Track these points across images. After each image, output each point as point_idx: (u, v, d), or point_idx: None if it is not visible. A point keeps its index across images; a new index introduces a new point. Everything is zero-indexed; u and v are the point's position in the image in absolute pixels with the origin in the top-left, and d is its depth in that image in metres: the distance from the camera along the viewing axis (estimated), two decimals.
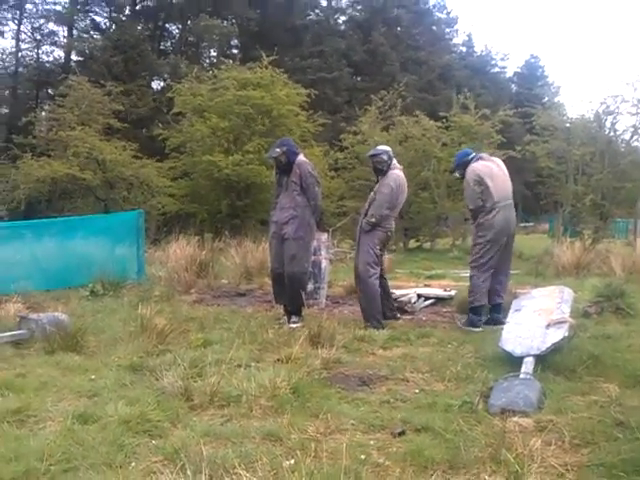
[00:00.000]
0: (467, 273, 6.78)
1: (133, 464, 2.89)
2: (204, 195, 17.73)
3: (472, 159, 6.50)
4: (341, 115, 30.67)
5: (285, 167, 6.52)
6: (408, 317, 6.88)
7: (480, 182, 6.21)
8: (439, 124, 18.12)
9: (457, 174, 6.84)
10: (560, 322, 4.53)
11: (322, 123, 19.33)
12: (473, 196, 6.30)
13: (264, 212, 13.99)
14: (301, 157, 6.61)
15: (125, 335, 5.36)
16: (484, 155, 6.81)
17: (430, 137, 17.72)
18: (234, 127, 17.16)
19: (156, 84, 34.99)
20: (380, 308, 6.32)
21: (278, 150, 6.50)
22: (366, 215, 6.38)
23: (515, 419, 3.35)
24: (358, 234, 6.52)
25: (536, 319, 4.68)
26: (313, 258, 7.04)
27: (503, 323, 5.73)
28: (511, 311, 5.13)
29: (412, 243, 19.40)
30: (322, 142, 19.41)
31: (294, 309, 6.38)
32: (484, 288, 6.20)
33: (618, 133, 16.23)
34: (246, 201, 17.12)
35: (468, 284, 6.44)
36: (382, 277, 6.58)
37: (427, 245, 19.30)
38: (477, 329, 6.05)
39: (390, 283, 7.01)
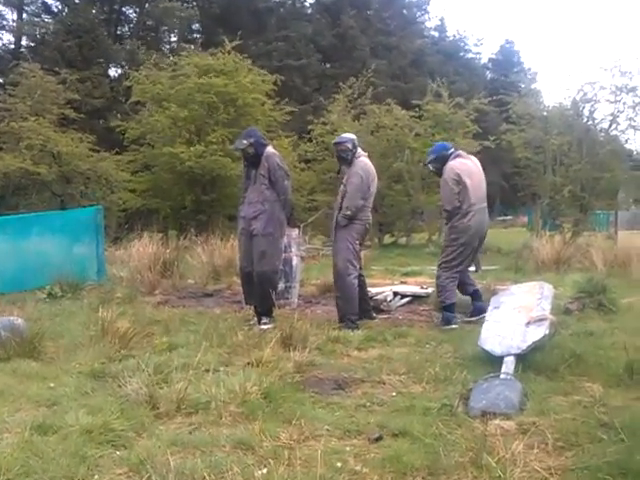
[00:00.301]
0: None
1: (96, 477, 2.81)
2: (167, 189, 17.44)
3: (450, 155, 6.44)
4: (311, 105, 29.73)
5: (253, 159, 6.42)
6: (384, 316, 6.83)
7: (459, 181, 6.19)
8: (412, 113, 17.83)
9: (431, 167, 6.76)
10: (541, 319, 4.51)
11: (290, 112, 18.98)
12: (451, 197, 6.25)
13: (231, 207, 13.80)
14: (269, 149, 6.52)
15: (85, 340, 5.24)
16: (462, 152, 6.73)
17: (403, 127, 17.45)
18: (196, 117, 16.86)
19: (113, 72, 33.88)
20: (357, 309, 6.25)
21: (245, 142, 6.39)
22: (341, 209, 6.28)
23: (496, 422, 3.33)
24: (334, 230, 6.41)
25: (516, 317, 4.66)
26: (284, 255, 6.94)
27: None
28: (490, 308, 5.10)
29: (387, 238, 19.32)
30: (290, 132, 19.01)
31: (264, 310, 6.28)
32: (453, 287, 6.30)
33: (596, 122, 15.96)
34: (212, 195, 16.82)
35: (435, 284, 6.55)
36: (359, 274, 6.47)
37: (402, 240, 19.14)
38: (453, 326, 6.09)
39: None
